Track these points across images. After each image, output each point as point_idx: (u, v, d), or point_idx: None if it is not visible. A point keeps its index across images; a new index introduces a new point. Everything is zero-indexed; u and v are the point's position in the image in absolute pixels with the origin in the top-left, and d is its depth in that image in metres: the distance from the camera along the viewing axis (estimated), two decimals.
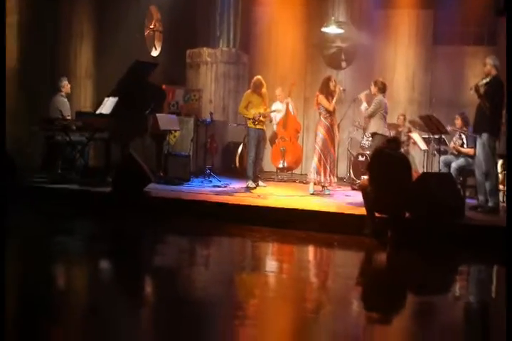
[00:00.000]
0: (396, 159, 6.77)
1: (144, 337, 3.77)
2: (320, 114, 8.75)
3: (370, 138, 9.81)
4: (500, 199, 7.74)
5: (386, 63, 12.05)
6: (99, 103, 9.14)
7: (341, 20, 11.84)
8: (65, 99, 9.09)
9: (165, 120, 9.37)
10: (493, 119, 7.42)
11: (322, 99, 8.65)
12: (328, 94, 8.67)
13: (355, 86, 11.86)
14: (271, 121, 10.25)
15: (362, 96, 8.74)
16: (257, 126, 9.14)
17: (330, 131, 8.69)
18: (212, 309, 4.28)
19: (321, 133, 8.66)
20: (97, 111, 8.86)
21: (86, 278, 5.16)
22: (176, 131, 9.74)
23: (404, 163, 6.84)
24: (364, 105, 8.58)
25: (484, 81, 7.48)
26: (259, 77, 9.37)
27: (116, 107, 8.60)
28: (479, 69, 10.23)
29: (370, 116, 8.43)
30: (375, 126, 8.38)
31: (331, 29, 11.53)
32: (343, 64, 12.31)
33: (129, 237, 6.57)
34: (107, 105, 8.74)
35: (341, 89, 8.86)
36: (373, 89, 8.49)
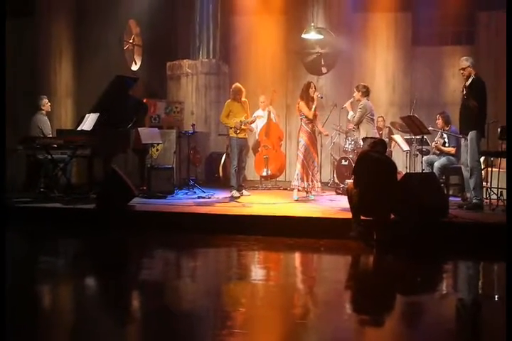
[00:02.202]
0: (381, 162, 6.81)
1: None
2: (301, 120, 8.82)
3: (355, 143, 9.89)
4: (484, 195, 7.80)
5: (366, 67, 12.15)
6: (80, 120, 9.16)
7: (321, 26, 11.94)
8: (46, 118, 9.10)
9: (147, 134, 9.39)
10: (479, 117, 7.53)
11: (303, 106, 8.71)
12: (309, 100, 8.74)
13: (337, 91, 12.00)
14: (251, 130, 10.29)
15: (347, 105, 8.80)
16: (239, 135, 9.17)
17: (312, 137, 8.76)
18: (201, 320, 4.29)
19: (303, 139, 8.72)
20: (78, 128, 8.88)
21: (73, 295, 5.15)
22: (158, 144, 9.76)
23: (390, 165, 6.88)
24: (351, 114, 8.63)
25: (468, 82, 7.59)
26: (237, 84, 9.43)
27: (97, 123, 8.61)
28: (458, 69, 10.35)
29: (358, 122, 8.47)
30: (364, 130, 8.43)
31: (311, 35, 11.61)
32: (324, 69, 12.39)
33: (114, 253, 6.57)
34: (88, 121, 8.76)
35: (319, 96, 8.88)
36: (356, 95, 8.56)
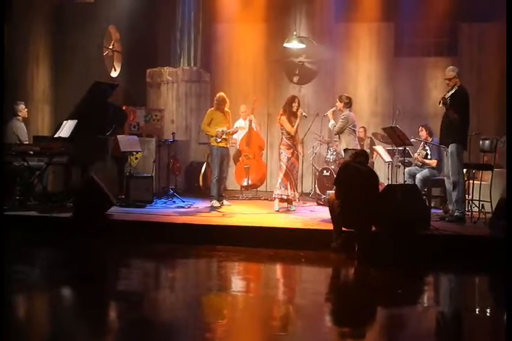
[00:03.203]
0: (363, 173, 6.85)
1: None
2: (282, 133, 8.86)
3: (337, 154, 9.95)
4: (466, 208, 7.87)
5: (348, 77, 12.28)
6: (57, 126, 9.13)
7: (303, 35, 12.04)
8: (22, 124, 9.04)
9: (126, 142, 9.39)
10: (462, 130, 7.58)
11: (284, 121, 8.73)
12: (291, 114, 8.77)
13: (318, 100, 12.11)
14: (235, 143, 10.34)
15: (329, 113, 8.83)
16: (220, 144, 9.20)
17: (292, 149, 8.81)
18: (180, 331, 4.29)
19: (285, 151, 8.78)
20: (56, 135, 8.84)
21: (49, 306, 5.11)
22: (137, 152, 9.76)
23: (372, 176, 6.93)
24: (332, 122, 8.68)
25: (450, 93, 7.62)
26: (222, 93, 9.46)
27: (75, 130, 8.58)
28: (440, 80, 10.50)
29: (338, 133, 8.54)
30: (345, 142, 8.50)
31: (293, 44, 11.70)
32: (306, 79, 12.47)
33: (92, 262, 6.53)
34: (66, 128, 8.72)
35: (303, 114, 8.90)
36: (339, 105, 8.62)
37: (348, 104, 8.56)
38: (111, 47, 12.02)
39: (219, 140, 9.14)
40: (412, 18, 11.68)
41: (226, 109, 9.34)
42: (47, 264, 6.57)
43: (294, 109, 8.74)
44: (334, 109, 8.81)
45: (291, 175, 8.76)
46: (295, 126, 8.73)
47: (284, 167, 8.75)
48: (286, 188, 8.75)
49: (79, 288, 5.49)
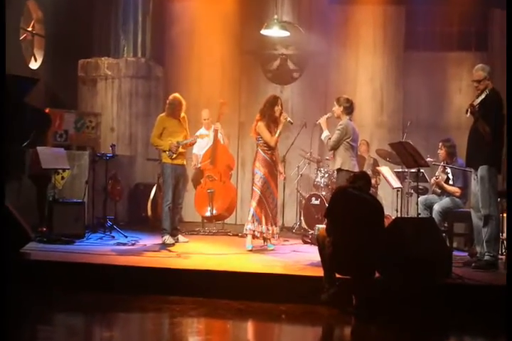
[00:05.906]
0: (363, 202, 6.90)
1: None
2: (258, 145, 8.91)
3: (334, 175, 10.01)
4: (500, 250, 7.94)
5: (345, 75, 12.43)
6: None
7: (286, 20, 12.16)
8: None
9: (49, 155, 9.38)
10: (495, 147, 7.61)
11: (262, 128, 8.79)
12: (271, 120, 8.83)
13: (306, 105, 12.22)
14: (195, 165, 10.39)
15: (322, 121, 8.83)
16: (175, 161, 9.25)
17: (271, 167, 8.86)
18: None
19: (260, 170, 8.81)
20: None
21: None
22: (64, 170, 9.74)
23: (375, 207, 6.98)
24: (326, 133, 8.69)
25: (480, 98, 7.68)
26: (176, 94, 9.52)
27: None
28: (466, 82, 10.67)
29: (334, 147, 8.55)
30: (340, 159, 8.52)
31: (273, 31, 11.77)
32: (290, 77, 12.59)
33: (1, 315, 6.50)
34: None
35: (288, 120, 8.95)
36: (337, 109, 8.65)
37: (349, 109, 8.61)
38: (30, 29, 12.01)
39: (174, 155, 9.17)
40: (428, 1, 11.86)
41: (182, 114, 9.39)
42: None
43: (277, 114, 8.82)
44: (329, 115, 8.82)
45: (266, 204, 8.80)
46: (276, 136, 8.80)
47: (258, 192, 8.79)
48: (260, 223, 8.79)
49: None
